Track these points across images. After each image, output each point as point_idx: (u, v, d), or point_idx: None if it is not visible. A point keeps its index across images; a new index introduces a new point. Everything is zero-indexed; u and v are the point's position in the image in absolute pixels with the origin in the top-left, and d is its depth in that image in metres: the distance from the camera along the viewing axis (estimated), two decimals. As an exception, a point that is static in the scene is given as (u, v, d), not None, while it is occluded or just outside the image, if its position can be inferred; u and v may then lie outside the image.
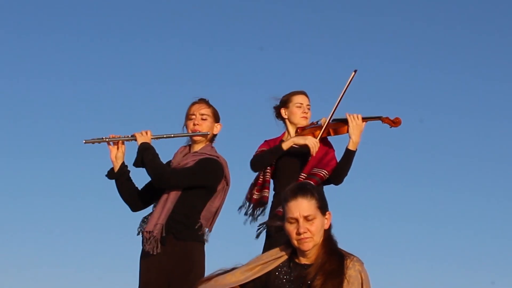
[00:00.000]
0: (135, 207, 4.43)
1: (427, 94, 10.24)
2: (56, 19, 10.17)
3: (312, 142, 4.71)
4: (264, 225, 4.80)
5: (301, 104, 4.93)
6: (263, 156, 4.84)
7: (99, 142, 4.39)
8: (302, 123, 4.91)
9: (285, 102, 4.98)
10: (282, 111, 4.98)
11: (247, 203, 4.91)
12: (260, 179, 4.87)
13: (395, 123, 4.79)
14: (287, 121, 4.98)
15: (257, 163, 4.84)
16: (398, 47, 10.37)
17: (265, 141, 5.00)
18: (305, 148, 4.75)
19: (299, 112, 4.92)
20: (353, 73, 4.80)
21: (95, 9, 10.26)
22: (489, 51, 10.33)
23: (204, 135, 4.39)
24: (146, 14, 10.29)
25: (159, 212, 4.21)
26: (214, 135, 4.48)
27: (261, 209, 4.88)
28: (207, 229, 4.29)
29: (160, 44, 10.16)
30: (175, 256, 4.14)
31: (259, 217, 4.87)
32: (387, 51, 10.27)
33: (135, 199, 4.40)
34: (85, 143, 4.37)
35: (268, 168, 4.87)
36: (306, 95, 4.99)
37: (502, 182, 9.79)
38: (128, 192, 4.40)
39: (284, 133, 5.01)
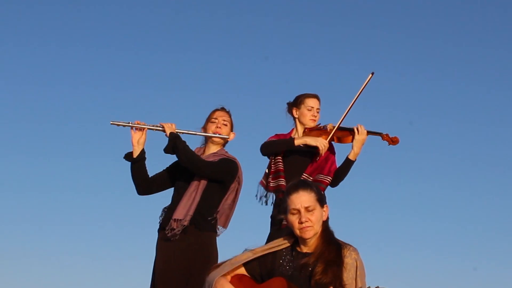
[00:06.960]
0: (142, 192, 4.73)
1: (417, 98, 10.53)
2: (74, 30, 10.61)
3: (322, 144, 5.05)
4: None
5: (312, 107, 5.26)
6: (274, 143, 5.18)
7: (124, 126, 4.59)
8: (310, 124, 5.26)
9: (297, 102, 5.30)
10: (294, 110, 5.31)
11: (263, 190, 5.17)
12: (273, 168, 5.17)
13: (393, 141, 5.18)
14: (297, 120, 5.32)
15: (266, 148, 5.17)
16: (394, 52, 10.64)
17: (276, 134, 5.33)
18: (314, 149, 5.08)
19: (309, 114, 5.26)
20: (370, 75, 5.10)
21: (112, 21, 10.67)
22: (478, 55, 10.58)
23: (224, 138, 4.76)
24: (159, 28, 10.74)
25: (189, 203, 4.53)
26: (227, 142, 4.83)
27: (275, 195, 5.10)
28: (221, 227, 4.63)
29: (171, 55, 10.57)
30: (196, 245, 4.45)
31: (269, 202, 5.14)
32: (381, 56, 10.54)
33: (146, 184, 4.70)
34: (111, 124, 4.54)
35: (279, 158, 5.16)
36: (318, 99, 5.31)
37: (483, 176, 10.09)
38: (142, 178, 4.69)
39: (292, 130, 5.35)
